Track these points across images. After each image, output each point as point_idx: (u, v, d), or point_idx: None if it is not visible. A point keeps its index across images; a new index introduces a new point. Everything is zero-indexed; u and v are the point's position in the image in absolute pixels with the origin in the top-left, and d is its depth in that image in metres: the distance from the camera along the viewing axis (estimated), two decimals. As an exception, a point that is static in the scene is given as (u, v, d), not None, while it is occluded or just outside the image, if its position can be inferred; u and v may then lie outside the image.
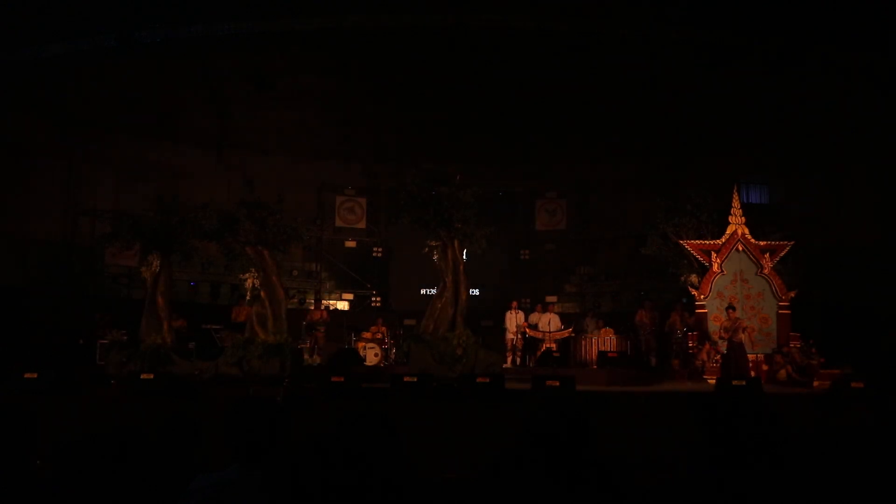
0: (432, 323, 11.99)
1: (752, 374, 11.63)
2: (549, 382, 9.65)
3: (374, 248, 19.16)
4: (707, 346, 12.52)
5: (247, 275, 12.27)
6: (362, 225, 19.17)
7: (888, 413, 8.95)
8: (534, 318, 15.77)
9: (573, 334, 15.54)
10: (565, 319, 16.67)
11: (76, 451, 1.94)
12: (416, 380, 9.71)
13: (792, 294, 12.99)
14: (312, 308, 16.15)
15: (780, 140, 16.99)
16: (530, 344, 15.72)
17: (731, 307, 12.09)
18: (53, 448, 1.96)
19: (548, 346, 15.13)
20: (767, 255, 13.13)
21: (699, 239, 13.35)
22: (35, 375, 9.46)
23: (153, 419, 3.71)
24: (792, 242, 13.52)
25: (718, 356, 12.28)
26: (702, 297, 12.99)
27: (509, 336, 15.70)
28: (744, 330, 11.82)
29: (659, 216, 13.65)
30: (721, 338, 11.95)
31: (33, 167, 16.05)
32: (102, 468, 1.92)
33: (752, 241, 13.23)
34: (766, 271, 13.05)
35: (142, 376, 9.83)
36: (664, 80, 14.28)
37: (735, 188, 13.60)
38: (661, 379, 13.08)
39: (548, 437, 1.99)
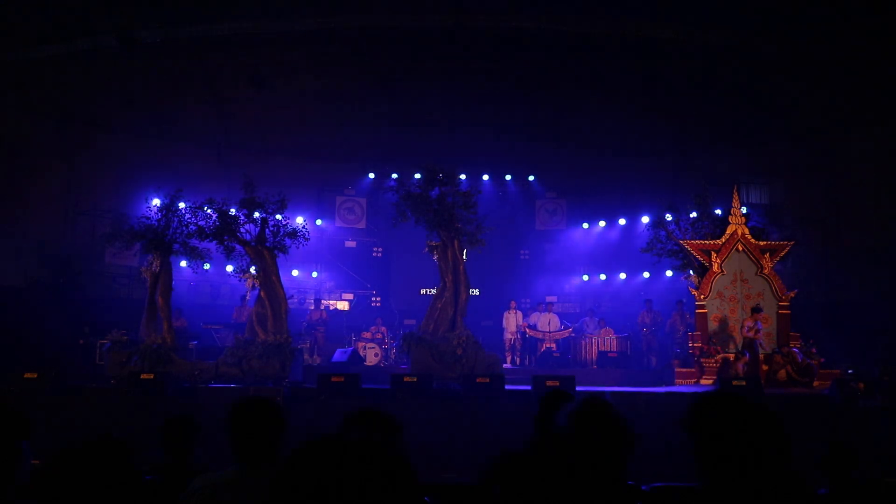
0: (432, 323, 11.98)
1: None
2: (549, 382, 9.63)
3: (374, 248, 19.16)
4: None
5: (247, 275, 12.26)
6: (362, 225, 19.16)
7: (885, 413, 8.96)
8: (533, 318, 15.78)
9: (573, 334, 15.55)
10: (565, 319, 16.69)
11: (74, 452, 1.94)
12: (416, 380, 9.71)
13: (792, 294, 12.98)
14: (312, 308, 16.18)
15: (780, 140, 16.99)
16: (530, 344, 15.72)
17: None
18: (53, 448, 1.96)
19: (548, 346, 15.15)
20: (767, 255, 13.12)
21: (699, 239, 13.34)
22: (35, 375, 9.46)
23: (153, 419, 3.71)
24: (792, 242, 13.52)
25: (719, 357, 12.32)
26: (702, 297, 12.98)
27: (509, 336, 15.70)
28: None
29: (659, 216, 13.64)
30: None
31: (33, 167, 16.05)
32: (101, 468, 1.92)
33: (752, 241, 13.21)
34: (766, 271, 13.04)
35: (142, 376, 9.82)
36: (664, 79, 14.29)
37: (735, 188, 13.59)
38: (661, 379, 13.10)
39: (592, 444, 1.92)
